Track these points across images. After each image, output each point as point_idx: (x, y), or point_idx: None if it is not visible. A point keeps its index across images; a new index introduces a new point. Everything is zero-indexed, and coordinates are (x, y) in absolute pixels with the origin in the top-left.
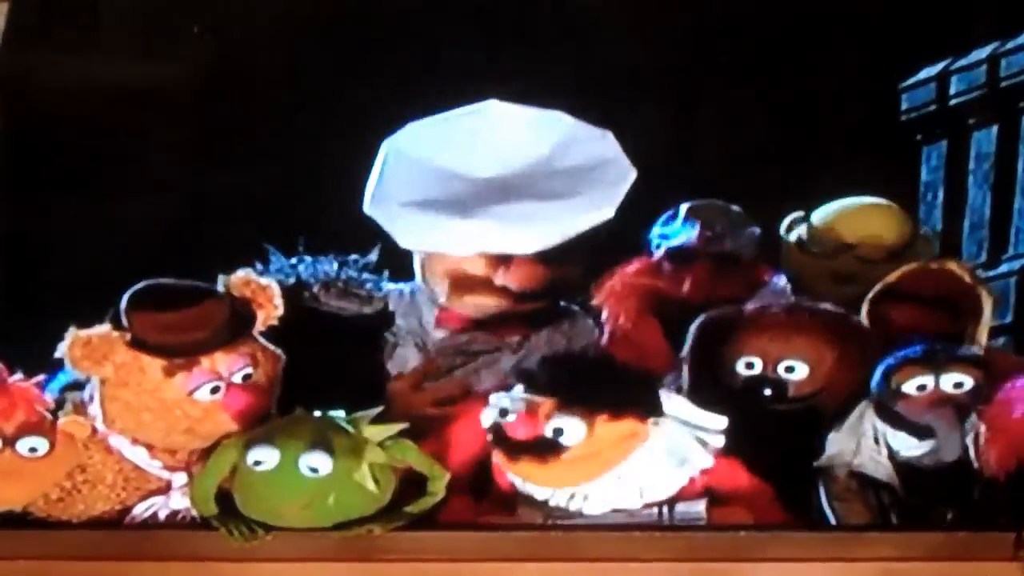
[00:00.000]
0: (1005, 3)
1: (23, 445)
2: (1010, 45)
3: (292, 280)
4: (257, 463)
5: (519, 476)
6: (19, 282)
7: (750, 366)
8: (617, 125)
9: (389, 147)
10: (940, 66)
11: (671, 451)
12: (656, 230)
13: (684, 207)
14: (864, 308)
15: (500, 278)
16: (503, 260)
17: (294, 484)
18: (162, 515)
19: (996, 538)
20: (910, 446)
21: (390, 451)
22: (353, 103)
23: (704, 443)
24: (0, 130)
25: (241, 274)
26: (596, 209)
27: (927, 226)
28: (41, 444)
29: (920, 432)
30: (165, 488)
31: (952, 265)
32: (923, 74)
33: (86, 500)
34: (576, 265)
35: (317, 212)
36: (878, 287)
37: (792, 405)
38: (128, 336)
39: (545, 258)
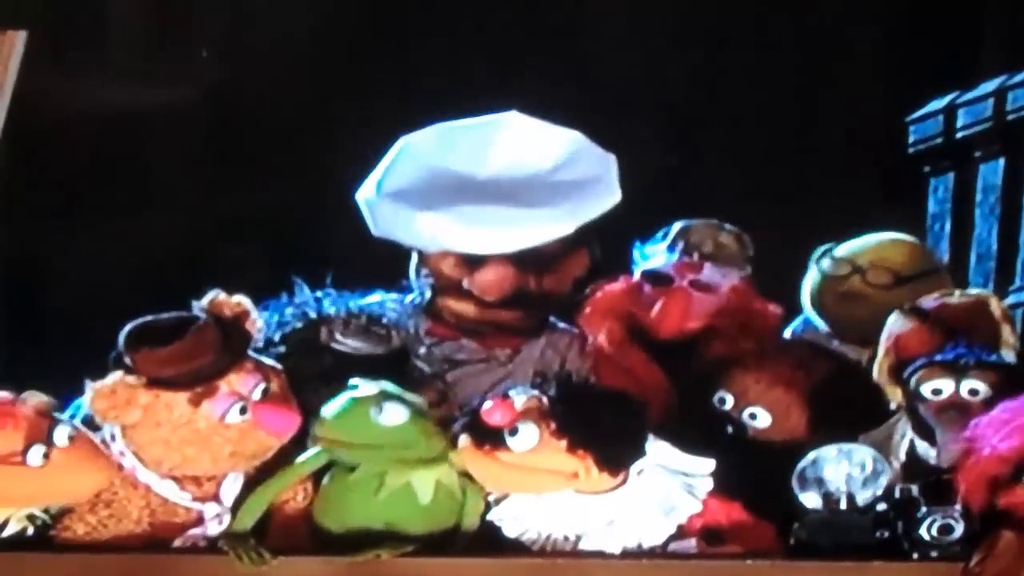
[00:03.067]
0: (1012, 38)
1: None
2: (1017, 79)
3: (314, 314)
4: (353, 386)
5: (471, 467)
6: (25, 304)
7: (722, 401)
8: (621, 151)
9: (403, 143)
10: (947, 99)
11: (658, 501)
12: (639, 246)
13: (676, 226)
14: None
15: (467, 283)
16: (471, 264)
17: (358, 417)
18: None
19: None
20: (923, 448)
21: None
22: (364, 124)
23: (692, 488)
24: (9, 152)
25: (211, 296)
26: (557, 222)
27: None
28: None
29: (928, 435)
30: (196, 520)
31: (989, 299)
32: (931, 107)
33: (114, 535)
34: (548, 278)
35: (327, 238)
36: (907, 305)
37: (752, 447)
38: (143, 377)
39: (515, 267)
